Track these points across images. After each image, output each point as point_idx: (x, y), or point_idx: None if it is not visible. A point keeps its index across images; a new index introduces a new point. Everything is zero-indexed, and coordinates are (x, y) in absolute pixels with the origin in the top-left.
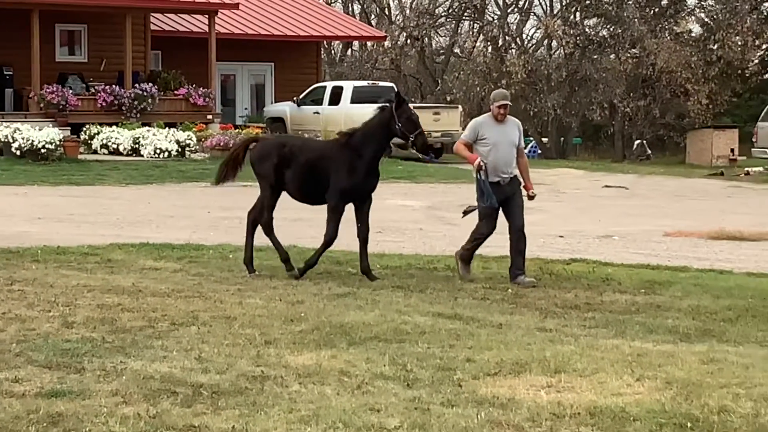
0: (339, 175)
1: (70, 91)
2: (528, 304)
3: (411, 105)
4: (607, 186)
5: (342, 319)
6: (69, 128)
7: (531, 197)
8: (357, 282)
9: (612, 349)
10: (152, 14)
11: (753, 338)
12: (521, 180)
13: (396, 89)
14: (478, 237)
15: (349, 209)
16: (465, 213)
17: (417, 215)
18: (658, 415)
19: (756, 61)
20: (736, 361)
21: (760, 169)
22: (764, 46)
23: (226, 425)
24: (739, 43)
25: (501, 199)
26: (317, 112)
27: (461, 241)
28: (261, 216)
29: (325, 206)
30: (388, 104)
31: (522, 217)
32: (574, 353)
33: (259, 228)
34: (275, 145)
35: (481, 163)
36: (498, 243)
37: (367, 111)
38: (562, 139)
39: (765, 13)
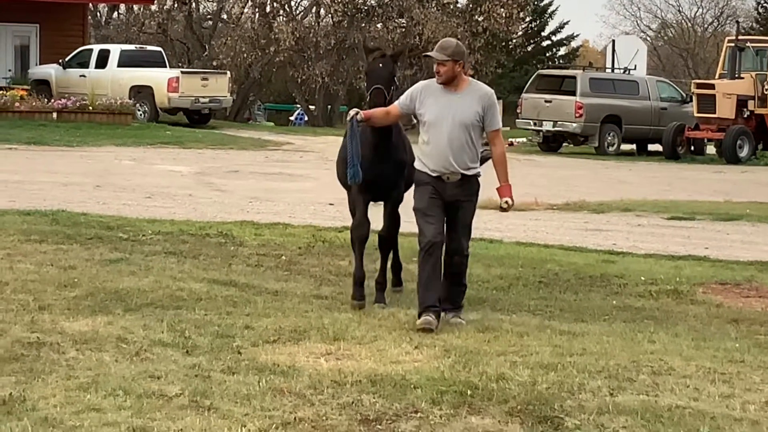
0: None
1: None
2: (302, 271)
3: (180, 70)
4: None
5: (116, 285)
6: None
7: (503, 209)
8: (129, 247)
9: (389, 317)
10: None
11: (525, 307)
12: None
13: (163, 53)
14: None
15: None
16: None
17: (186, 181)
18: (438, 382)
19: (520, 33)
20: (511, 330)
21: (524, 139)
22: (528, 19)
23: (2, 392)
24: (504, 15)
25: (445, 200)
26: (84, 75)
27: (231, 208)
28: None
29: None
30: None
31: (466, 237)
32: (352, 321)
33: None
34: None
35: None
36: (270, 209)
37: (135, 75)
38: (330, 106)
39: None
